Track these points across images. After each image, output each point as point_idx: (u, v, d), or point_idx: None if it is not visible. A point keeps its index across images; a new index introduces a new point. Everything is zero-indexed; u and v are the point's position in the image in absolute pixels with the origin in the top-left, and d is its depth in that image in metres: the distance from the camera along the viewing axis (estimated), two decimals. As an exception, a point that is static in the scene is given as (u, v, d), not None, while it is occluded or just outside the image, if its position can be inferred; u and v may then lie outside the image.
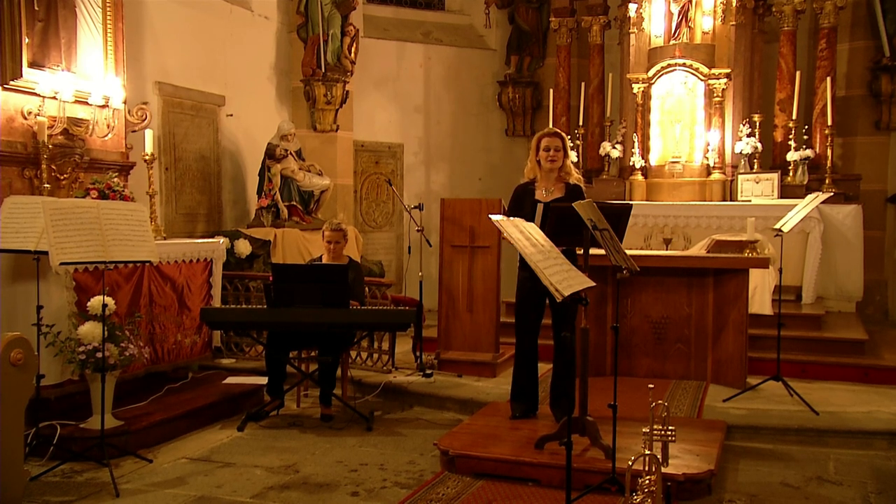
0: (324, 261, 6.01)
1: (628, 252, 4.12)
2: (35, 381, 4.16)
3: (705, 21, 8.50)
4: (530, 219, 4.48)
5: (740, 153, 8.43)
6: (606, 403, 3.96)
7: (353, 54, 9.13)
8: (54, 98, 5.76)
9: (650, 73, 8.70)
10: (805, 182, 8.23)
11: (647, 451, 3.52)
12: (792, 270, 7.45)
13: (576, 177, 5.00)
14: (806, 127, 8.40)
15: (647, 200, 8.61)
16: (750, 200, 8.18)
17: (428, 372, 6.39)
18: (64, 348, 4.73)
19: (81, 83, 6.01)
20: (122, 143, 6.47)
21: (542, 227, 4.30)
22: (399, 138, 10.39)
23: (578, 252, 4.50)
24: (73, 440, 4.62)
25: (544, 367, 5.39)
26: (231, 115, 8.38)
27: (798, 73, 8.41)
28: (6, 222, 4.68)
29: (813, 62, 8.77)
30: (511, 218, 4.21)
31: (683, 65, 8.53)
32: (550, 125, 9.28)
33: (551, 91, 9.61)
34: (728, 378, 6.01)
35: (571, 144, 5.00)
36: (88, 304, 4.73)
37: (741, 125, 8.47)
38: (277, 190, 8.04)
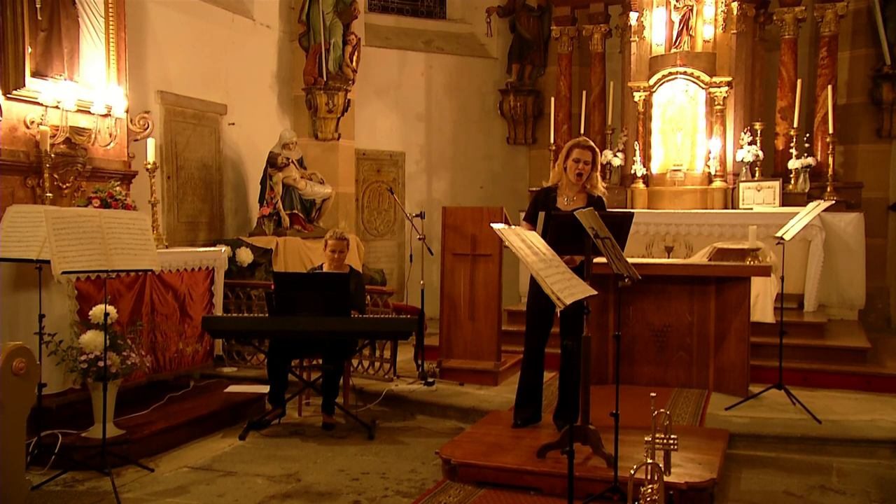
0: (325, 270, 6.01)
1: (630, 260, 4.13)
2: (37, 390, 4.13)
3: (706, 29, 8.51)
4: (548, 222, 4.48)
5: (742, 161, 8.43)
6: (608, 412, 3.96)
7: (354, 63, 9.15)
8: (57, 107, 5.79)
9: (651, 82, 8.71)
10: (807, 190, 8.23)
11: (650, 460, 3.51)
12: (794, 278, 7.45)
13: (601, 189, 4.96)
14: (807, 135, 8.41)
15: (648, 208, 8.61)
16: (751, 208, 8.18)
17: (429, 380, 6.39)
18: (66, 357, 4.73)
19: (84, 92, 6.03)
20: (125, 151, 6.49)
21: (543, 235, 4.31)
22: (400, 146, 10.40)
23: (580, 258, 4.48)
24: (75, 449, 4.62)
25: (549, 376, 5.38)
26: (233, 124, 8.40)
27: (799, 81, 8.42)
28: (8, 231, 4.69)
29: (814, 70, 8.79)
30: (512, 227, 4.21)
31: (685, 73, 8.54)
32: (552, 133, 9.33)
33: (552, 99, 9.62)
34: (730, 386, 6.00)
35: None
36: (90, 312, 4.74)
37: (742, 133, 8.47)
38: (279, 198, 8.05)
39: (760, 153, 8.38)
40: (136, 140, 6.62)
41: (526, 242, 3.96)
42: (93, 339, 4.66)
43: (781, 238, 5.62)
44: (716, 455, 4.44)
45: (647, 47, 8.88)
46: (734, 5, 8.43)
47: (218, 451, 5.10)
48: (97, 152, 6.19)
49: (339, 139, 9.39)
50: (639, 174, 8.76)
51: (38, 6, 5.68)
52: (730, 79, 8.40)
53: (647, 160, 8.83)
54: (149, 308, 5.65)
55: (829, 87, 8.38)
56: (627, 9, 9.05)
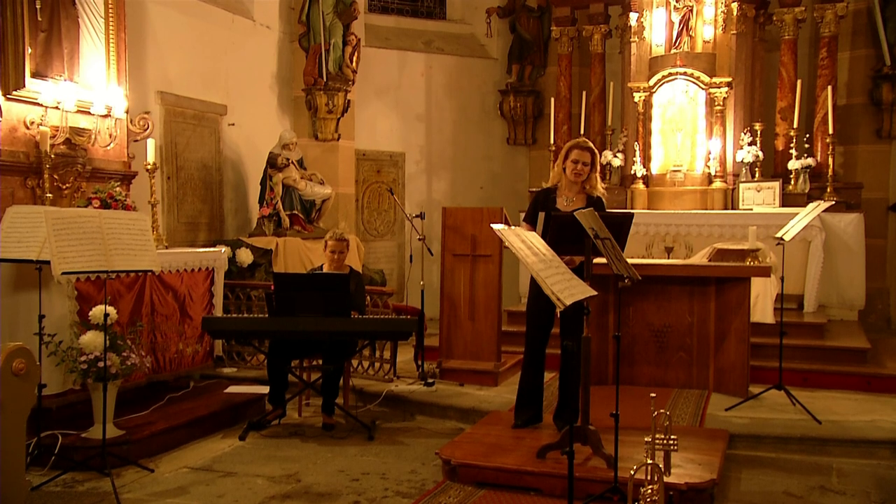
0: (325, 270, 6.01)
1: (630, 261, 4.13)
2: (37, 391, 4.14)
3: (706, 30, 8.51)
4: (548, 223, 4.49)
5: (741, 162, 8.43)
6: (608, 412, 3.96)
7: (354, 63, 9.16)
8: (57, 108, 5.79)
9: (651, 82, 8.71)
10: (806, 190, 8.23)
11: (650, 461, 3.51)
12: (794, 279, 7.45)
13: (600, 190, 4.97)
14: (807, 135, 8.41)
15: (648, 209, 8.60)
16: (751, 209, 8.18)
17: (429, 381, 6.38)
18: (66, 358, 4.73)
19: (84, 93, 6.03)
20: (125, 152, 6.49)
21: (543, 236, 4.31)
22: (400, 147, 10.41)
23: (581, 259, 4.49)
24: (75, 450, 4.62)
25: (549, 377, 5.38)
26: (233, 125, 8.40)
27: (799, 82, 8.42)
28: (8, 232, 4.69)
29: (814, 71, 8.79)
30: (512, 227, 4.21)
31: (685, 73, 8.54)
32: (552, 134, 9.32)
33: (552, 100, 9.62)
34: (730, 387, 6.00)
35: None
36: (90, 313, 4.74)
37: (742, 134, 8.47)
38: (279, 199, 8.05)
39: (760, 154, 8.38)
40: (136, 140, 6.61)
41: (526, 243, 3.96)
42: (93, 339, 4.66)
43: (781, 239, 5.62)
44: (716, 455, 4.44)
45: (647, 48, 8.88)
46: (734, 6, 8.43)
47: (218, 452, 5.10)
48: (97, 153, 6.19)
49: (338, 140, 9.40)
50: (639, 175, 8.76)
51: (38, 7, 5.68)
52: (730, 79, 8.40)
53: (646, 161, 8.83)
54: (149, 309, 5.65)
55: (829, 87, 8.39)
56: (627, 9, 9.05)
